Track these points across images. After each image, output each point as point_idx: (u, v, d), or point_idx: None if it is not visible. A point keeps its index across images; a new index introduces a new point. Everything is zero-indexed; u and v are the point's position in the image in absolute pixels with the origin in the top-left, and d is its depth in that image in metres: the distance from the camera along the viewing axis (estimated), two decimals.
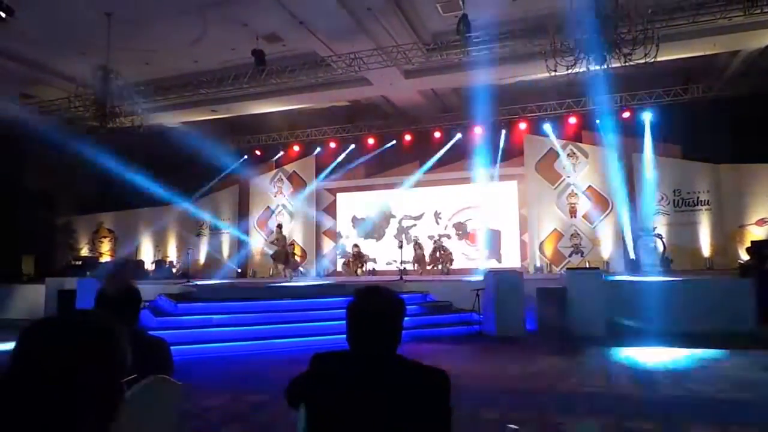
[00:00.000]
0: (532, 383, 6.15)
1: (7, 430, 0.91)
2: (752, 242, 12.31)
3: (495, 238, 17.01)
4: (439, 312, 10.31)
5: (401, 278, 12.46)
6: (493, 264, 16.43)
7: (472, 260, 16.91)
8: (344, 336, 1.81)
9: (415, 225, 18.31)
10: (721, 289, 9.51)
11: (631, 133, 15.29)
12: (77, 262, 18.07)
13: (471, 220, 17.46)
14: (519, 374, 6.64)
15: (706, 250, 14.51)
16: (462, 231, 17.56)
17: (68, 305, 10.25)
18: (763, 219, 13.84)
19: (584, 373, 6.59)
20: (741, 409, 4.99)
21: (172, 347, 2.55)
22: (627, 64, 8.67)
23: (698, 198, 14.76)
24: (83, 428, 0.95)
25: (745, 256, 12.42)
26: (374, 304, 1.80)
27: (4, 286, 13.76)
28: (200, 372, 6.66)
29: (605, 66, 8.87)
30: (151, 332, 2.85)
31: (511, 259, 16.53)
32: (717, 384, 5.85)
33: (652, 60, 8.46)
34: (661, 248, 14.27)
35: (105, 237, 20.37)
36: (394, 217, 18.68)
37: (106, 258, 19.51)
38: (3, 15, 9.84)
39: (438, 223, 17.98)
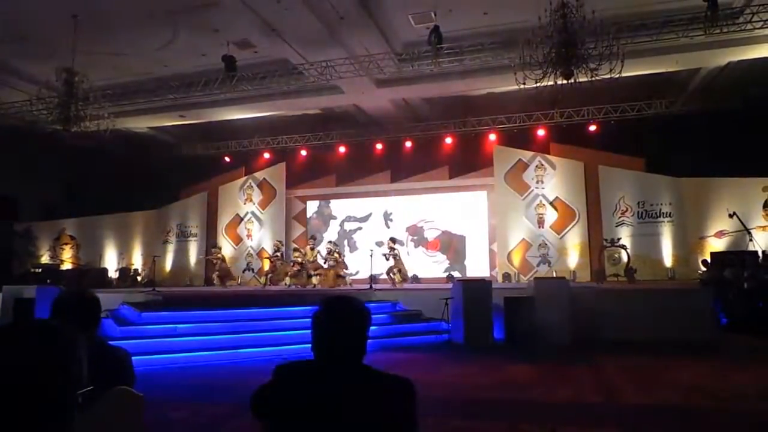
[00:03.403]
0: (500, 392, 6.19)
1: None
2: (711, 254, 12.72)
3: (460, 246, 17.06)
4: (408, 321, 10.31)
5: (371, 287, 12.43)
6: (457, 274, 16.48)
7: (431, 268, 16.85)
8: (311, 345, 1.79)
9: (360, 228, 17.72)
10: (682, 299, 9.77)
11: (597, 145, 15.69)
12: (37, 270, 17.50)
13: (426, 221, 17.02)
14: (487, 383, 6.68)
15: (668, 260, 14.90)
16: (419, 237, 17.25)
17: (26, 314, 9.89)
18: (721, 231, 14.30)
19: (551, 382, 6.67)
20: (702, 417, 5.11)
21: (135, 357, 2.49)
22: (593, 78, 8.88)
23: (661, 210, 15.17)
24: None
25: (703, 267, 12.80)
26: (339, 314, 1.79)
27: None
28: (164, 383, 6.50)
29: (572, 80, 9.06)
30: (113, 342, 2.77)
31: (479, 269, 16.64)
32: (679, 391, 5.99)
33: (618, 75, 8.68)
34: (625, 259, 14.61)
35: (67, 244, 19.77)
36: (334, 218, 18.13)
37: (67, 265, 18.94)
38: None
39: (389, 227, 17.44)
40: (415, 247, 17.23)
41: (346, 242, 17.30)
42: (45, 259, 19.38)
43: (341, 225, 18.01)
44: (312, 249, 14.93)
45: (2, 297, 11.48)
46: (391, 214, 17.47)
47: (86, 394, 1.02)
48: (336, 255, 14.40)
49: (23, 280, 15.30)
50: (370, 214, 17.57)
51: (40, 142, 14.40)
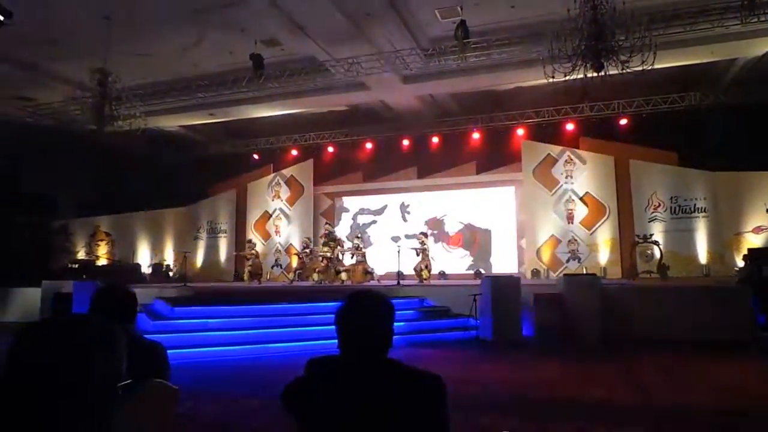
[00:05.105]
0: (529, 389, 6.14)
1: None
2: (749, 250, 12.33)
3: (485, 242, 16.85)
4: (436, 317, 10.30)
5: (398, 283, 12.45)
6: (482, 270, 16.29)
7: (454, 264, 16.67)
8: None
9: (374, 222, 17.38)
10: (717, 297, 9.51)
11: (628, 139, 15.37)
12: (74, 266, 18.01)
13: (446, 214, 16.68)
14: (516, 380, 6.63)
15: (702, 257, 14.52)
16: (439, 231, 16.93)
17: (65, 308, 10.22)
18: (759, 227, 13.86)
19: (582, 380, 6.58)
20: (739, 418, 4.98)
21: (168, 351, 2.54)
22: (624, 71, 8.69)
23: (695, 205, 14.79)
24: None
25: (741, 264, 12.43)
26: (363, 310, 1.79)
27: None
28: (197, 376, 6.63)
29: (603, 73, 8.89)
30: (147, 336, 2.84)
31: (506, 265, 16.45)
32: (714, 392, 5.84)
33: (650, 67, 8.48)
34: (658, 255, 14.29)
35: (102, 240, 20.32)
36: (347, 211, 17.79)
37: (103, 261, 19.46)
38: (1, 18, 9.81)
39: (406, 220, 17.11)
40: (435, 242, 16.72)
41: (358, 237, 17.20)
42: (81, 255, 19.95)
43: (354, 218, 17.81)
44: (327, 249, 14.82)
45: (42, 291, 11.89)
46: (408, 206, 17.19)
47: (125, 387, 1.05)
48: (363, 251, 14.45)
49: (60, 275, 15.77)
50: (386, 206, 17.20)
51: (76, 142, 14.79)
